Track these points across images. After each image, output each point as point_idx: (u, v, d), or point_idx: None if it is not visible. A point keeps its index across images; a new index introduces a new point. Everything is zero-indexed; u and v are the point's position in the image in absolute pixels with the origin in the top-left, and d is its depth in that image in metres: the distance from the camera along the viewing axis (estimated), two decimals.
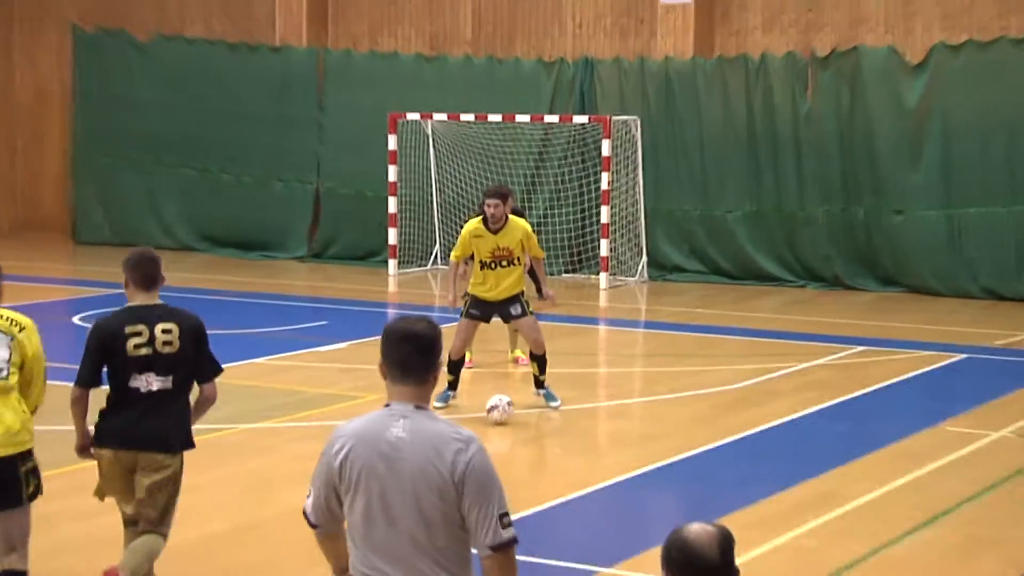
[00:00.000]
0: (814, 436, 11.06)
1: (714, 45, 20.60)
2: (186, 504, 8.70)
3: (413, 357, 4.21)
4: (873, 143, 19.16)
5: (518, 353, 13.52)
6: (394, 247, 20.81)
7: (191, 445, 6.76)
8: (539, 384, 11.69)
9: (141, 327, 6.56)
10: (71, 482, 9.26)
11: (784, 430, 11.15)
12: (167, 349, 6.57)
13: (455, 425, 4.23)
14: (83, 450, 6.77)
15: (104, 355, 6.59)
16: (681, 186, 20.38)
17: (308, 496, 4.32)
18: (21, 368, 6.29)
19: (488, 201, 11.45)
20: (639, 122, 20.23)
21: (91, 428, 6.74)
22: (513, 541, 4.14)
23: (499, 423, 11.00)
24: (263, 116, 22.61)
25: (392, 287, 19.77)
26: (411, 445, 4.14)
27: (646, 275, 20.27)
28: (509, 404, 11.10)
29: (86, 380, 6.62)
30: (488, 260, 11.47)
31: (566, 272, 20.48)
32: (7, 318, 6.34)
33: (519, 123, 20.40)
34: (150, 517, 6.66)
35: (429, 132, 21.37)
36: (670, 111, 20.31)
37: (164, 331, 6.58)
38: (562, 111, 20.58)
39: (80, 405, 6.64)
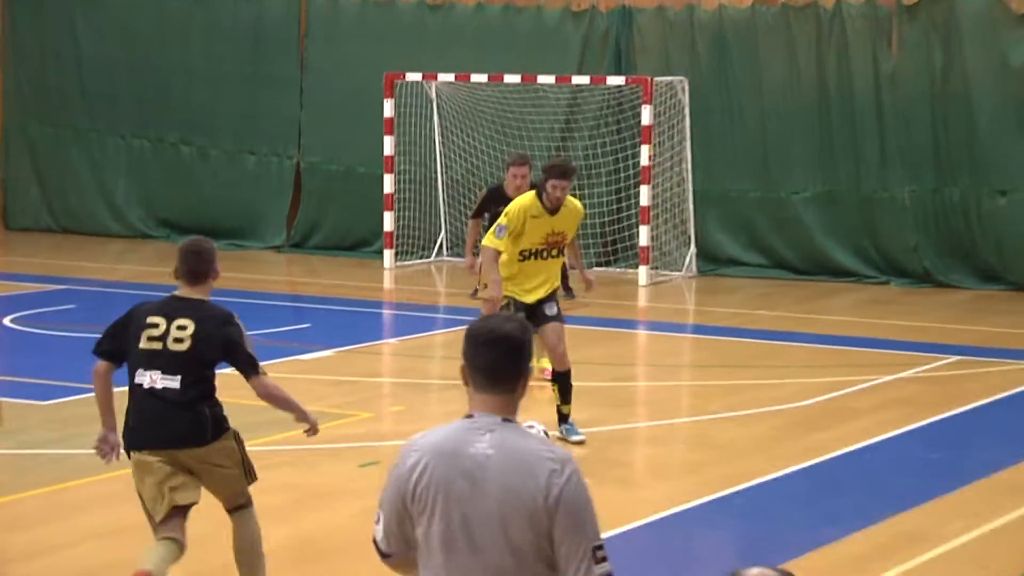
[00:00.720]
0: (898, 464, 11.08)
1: None
2: (149, 542, 8.79)
3: (501, 363, 4.35)
4: (971, 110, 19.15)
5: (544, 363, 13.44)
6: (390, 235, 20.87)
7: (227, 428, 7.57)
8: (563, 418, 11.31)
9: (160, 319, 7.31)
10: (8, 516, 9.35)
11: (861, 457, 11.16)
12: (177, 347, 7.23)
13: (547, 442, 4.37)
14: (103, 441, 7.62)
15: (125, 336, 7.37)
16: (737, 162, 20.39)
17: (377, 522, 4.42)
18: None
19: (554, 182, 11.01)
20: (686, 84, 20.24)
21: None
22: None
23: None
24: (232, 76, 22.68)
25: (388, 283, 19.83)
26: (499, 463, 4.24)
27: (694, 269, 20.29)
28: (545, 433, 11.08)
29: (103, 348, 7.51)
30: (540, 248, 11.16)
31: (598, 265, 20.48)
32: None
33: (542, 85, 20.43)
34: (235, 498, 7.73)
35: (433, 96, 21.41)
36: (724, 71, 20.31)
37: (179, 327, 7.27)
38: (594, 71, 20.60)
39: (101, 381, 7.56)
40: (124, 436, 7.55)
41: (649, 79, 19.65)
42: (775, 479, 10.48)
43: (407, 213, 21.28)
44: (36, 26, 23.94)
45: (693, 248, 20.32)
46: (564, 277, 15.79)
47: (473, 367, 4.36)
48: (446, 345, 16.00)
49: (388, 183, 20.85)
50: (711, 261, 20.51)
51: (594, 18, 20.90)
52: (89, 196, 23.68)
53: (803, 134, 19.98)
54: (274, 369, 13.59)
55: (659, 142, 20.05)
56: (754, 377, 13.94)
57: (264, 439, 11.35)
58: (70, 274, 18.72)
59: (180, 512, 7.47)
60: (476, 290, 18.00)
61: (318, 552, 8.83)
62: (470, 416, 4.35)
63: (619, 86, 20.28)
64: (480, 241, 12.41)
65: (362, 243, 21.97)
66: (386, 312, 18.21)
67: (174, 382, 7.26)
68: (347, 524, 9.30)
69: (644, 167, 19.62)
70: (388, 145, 20.80)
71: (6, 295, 18.24)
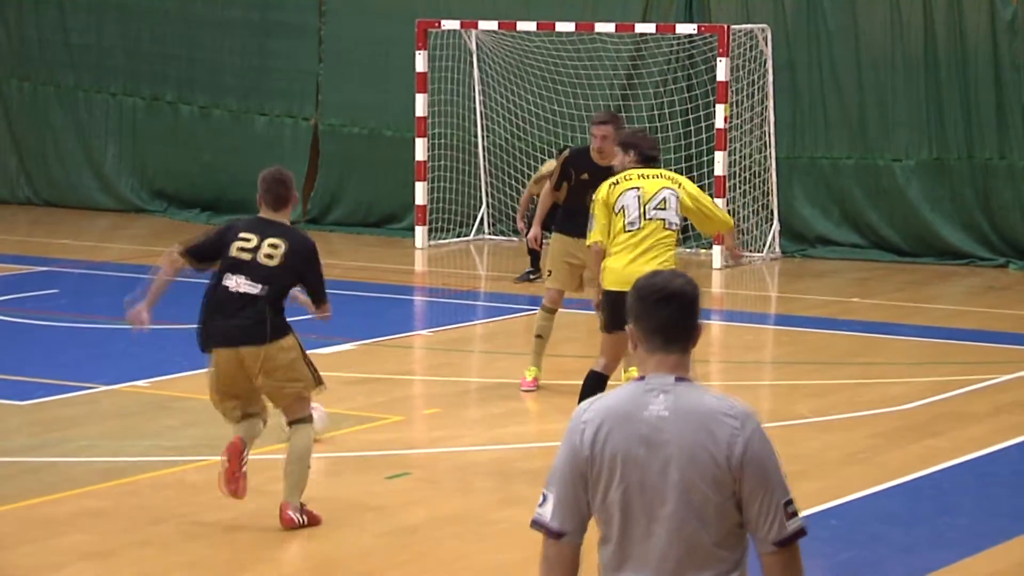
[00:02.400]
0: (1018, 479, 11.02)
1: None
2: (137, 566, 8.83)
3: (675, 320, 4.72)
4: None
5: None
6: (423, 209, 20.90)
7: (288, 330, 9.75)
8: None
9: (253, 236, 9.76)
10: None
11: (975, 470, 11.10)
12: (266, 261, 9.68)
13: (725, 397, 4.70)
14: (137, 313, 10.12)
15: (218, 245, 9.76)
16: (829, 125, 20.33)
17: (542, 503, 4.78)
18: None
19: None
20: (770, 34, 20.18)
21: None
22: (801, 533, 4.68)
23: None
24: (240, 24, 22.76)
25: (420, 264, 19.86)
26: (676, 425, 4.64)
27: (778, 249, 20.25)
28: None
29: (192, 248, 9.86)
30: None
31: None
32: None
33: (601, 34, 20.40)
34: (294, 410, 9.78)
35: (473, 47, 21.42)
36: (814, 18, 20.25)
37: (271, 245, 9.72)
38: (661, 18, 20.56)
39: (172, 269, 9.87)
40: (200, 331, 9.77)
41: (726, 27, 19.59)
42: (873, 495, 10.42)
43: (442, 184, 21.30)
44: None
45: (776, 225, 20.28)
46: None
47: (645, 327, 4.73)
48: (488, 337, 16.01)
49: (420, 149, 20.86)
50: (797, 240, 20.46)
51: None
52: (74, 164, 23.81)
53: (906, 91, 19.90)
54: None
55: (737, 101, 19.99)
56: (848, 376, 13.90)
57: (277, 446, 11.39)
58: (52, 254, 18.80)
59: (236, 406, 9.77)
60: (528, 274, 18.00)
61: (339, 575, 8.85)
62: (642, 378, 4.71)
63: (690, 35, 20.23)
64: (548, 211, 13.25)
65: (390, 219, 22.00)
66: (418, 299, 18.24)
67: (254, 289, 9.63)
68: (374, 546, 9.31)
69: (719, 130, 19.57)
70: (420, 105, 20.81)
71: None
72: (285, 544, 9.57)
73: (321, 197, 22.55)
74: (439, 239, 21.04)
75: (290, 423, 9.79)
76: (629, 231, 10.85)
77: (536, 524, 4.82)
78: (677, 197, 10.95)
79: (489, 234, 21.16)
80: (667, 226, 10.91)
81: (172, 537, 9.37)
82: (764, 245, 20.15)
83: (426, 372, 14.47)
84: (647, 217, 10.85)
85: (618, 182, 10.93)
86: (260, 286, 9.63)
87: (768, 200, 20.31)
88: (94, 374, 13.25)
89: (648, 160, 11.01)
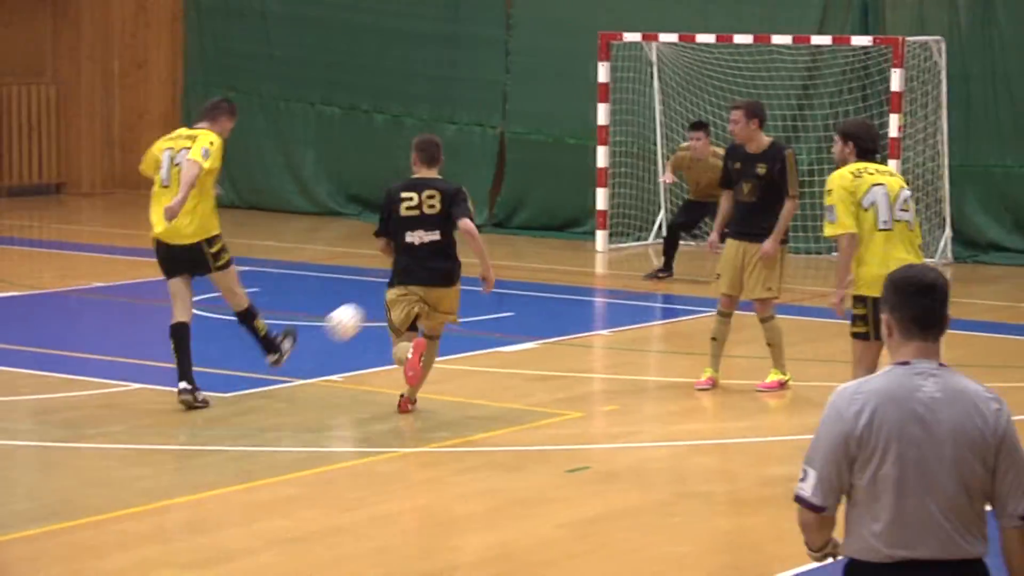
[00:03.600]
0: None
1: None
2: (329, 551, 8.94)
3: (932, 309, 5.06)
4: None
5: (708, 372, 13.18)
6: (603, 214, 20.89)
7: (459, 278, 11.75)
8: None
9: (412, 194, 11.67)
10: (183, 517, 9.58)
11: None
12: (431, 211, 11.60)
13: (978, 381, 5.04)
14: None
15: (390, 214, 11.70)
16: (1002, 134, 20.00)
17: (803, 479, 5.03)
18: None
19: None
20: (943, 45, 19.88)
21: None
22: None
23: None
24: (431, 37, 22.92)
25: (600, 267, 19.85)
26: (948, 406, 4.94)
27: (950, 255, 19.95)
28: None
29: (379, 231, 11.91)
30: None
31: (837, 251, 20.23)
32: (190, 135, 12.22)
33: (777, 46, 20.25)
34: (438, 331, 11.95)
35: (653, 59, 21.37)
36: (988, 29, 19.93)
37: (428, 196, 11.63)
38: (837, 30, 20.36)
39: (385, 250, 11.93)
40: (393, 276, 11.72)
41: (900, 39, 19.34)
42: None
43: (622, 190, 21.28)
44: None
45: (948, 231, 19.98)
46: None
47: (903, 316, 5.04)
48: (665, 338, 15.98)
49: (601, 156, 20.86)
50: (969, 246, 20.15)
51: None
52: (274, 169, 24.15)
53: None
54: (473, 361, 13.87)
55: (910, 111, 19.73)
56: (1019, 380, 13.65)
57: (464, 439, 11.48)
58: (253, 254, 19.05)
59: (414, 327, 11.67)
60: (657, 272, 18.10)
61: (520, 567, 8.87)
62: (904, 363, 5.00)
63: (865, 47, 20.01)
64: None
65: (572, 223, 22.02)
66: (598, 300, 18.24)
67: (435, 235, 11.62)
68: (554, 537, 9.33)
69: (893, 139, 19.33)
70: (602, 114, 20.80)
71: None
72: (467, 533, 9.63)
73: (507, 202, 22.64)
74: (618, 243, 21.02)
75: (429, 338, 11.75)
76: (884, 230, 10.14)
77: (798, 499, 5.04)
78: (912, 200, 10.44)
79: (663, 235, 21.07)
80: (910, 228, 10.26)
81: (363, 524, 9.48)
82: (936, 251, 19.86)
83: (605, 370, 14.47)
84: (895, 218, 10.18)
85: (859, 174, 10.15)
86: (436, 232, 11.63)
87: (940, 207, 20.02)
88: (292, 369, 13.40)
89: (866, 153, 10.27)
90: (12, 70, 25.12)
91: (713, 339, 12.96)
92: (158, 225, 12.18)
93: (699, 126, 18.49)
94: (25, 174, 25.30)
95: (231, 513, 9.72)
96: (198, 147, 11.95)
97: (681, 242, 18.96)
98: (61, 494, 10.04)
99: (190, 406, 11.89)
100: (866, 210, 10.11)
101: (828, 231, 10.30)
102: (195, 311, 12.54)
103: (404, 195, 11.65)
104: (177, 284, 12.23)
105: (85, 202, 25.13)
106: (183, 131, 12.53)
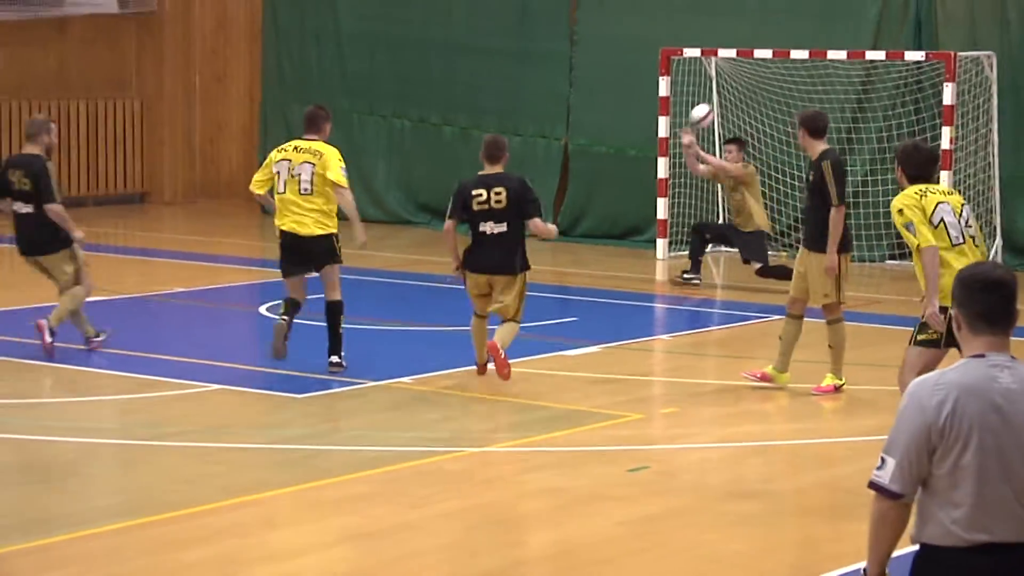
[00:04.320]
0: None
1: None
2: (397, 547, 8.96)
3: (999, 305, 5.12)
4: None
5: (769, 369, 13.15)
6: (664, 223, 20.85)
7: (527, 267, 12.88)
8: None
9: (482, 190, 12.71)
10: (259, 513, 9.64)
11: None
12: (498, 205, 12.64)
13: None
14: (456, 269, 12.93)
15: (461, 206, 12.75)
16: None
17: (880, 467, 5.09)
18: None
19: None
20: (995, 60, 19.74)
21: None
22: None
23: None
24: (498, 52, 22.95)
25: (660, 274, 19.79)
26: (1022, 396, 5.02)
27: (1001, 262, 19.77)
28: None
29: (450, 214, 12.87)
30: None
31: (891, 258, 20.15)
32: (312, 150, 13.21)
33: (832, 61, 20.15)
34: (508, 313, 12.82)
35: (712, 73, 21.32)
36: None
37: (496, 193, 12.66)
38: (890, 45, 20.24)
39: (449, 235, 12.92)
40: (465, 261, 12.82)
41: (952, 54, 19.21)
42: None
43: (682, 200, 21.22)
44: (296, 3, 24.61)
45: (999, 240, 19.83)
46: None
47: (969, 312, 5.11)
48: (722, 343, 15.91)
49: (662, 167, 20.82)
50: (1020, 255, 20.00)
51: None
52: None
53: None
54: (537, 364, 13.87)
55: (962, 123, 19.59)
56: None
57: (526, 439, 11.48)
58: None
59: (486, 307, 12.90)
60: (683, 274, 18.11)
61: (581, 563, 8.86)
62: (979, 356, 5.07)
63: (918, 62, 19.89)
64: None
65: (633, 231, 22.00)
66: (658, 306, 18.20)
67: (503, 227, 12.67)
68: (614, 534, 9.31)
69: (945, 151, 19.18)
70: (663, 126, 20.76)
71: (261, 283, 18.76)
72: (530, 530, 9.64)
73: (571, 211, 22.63)
74: (678, 251, 20.96)
75: (503, 320, 12.88)
76: (957, 245, 10.15)
77: (874, 486, 5.09)
78: (973, 215, 10.40)
79: (726, 248, 21.01)
80: (976, 243, 10.30)
81: (430, 521, 9.49)
82: (988, 259, 19.70)
83: (664, 374, 14.44)
84: (966, 234, 10.21)
85: (924, 193, 10.15)
86: (504, 224, 12.63)
87: (991, 216, 19.87)
88: (362, 371, 13.45)
89: (915, 179, 10.25)
90: (99, 85, 25.36)
91: (780, 338, 12.98)
92: (283, 224, 13.25)
93: (733, 140, 18.72)
94: (111, 184, 25.52)
95: (304, 509, 9.76)
96: (335, 168, 13.14)
97: (731, 249, 19.00)
98: (143, 490, 10.11)
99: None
100: (935, 228, 10.09)
101: (919, 243, 10.03)
102: (269, 315, 12.57)
103: (474, 191, 12.71)
104: (293, 282, 13.45)
105: (167, 211, 25.30)
106: (297, 144, 13.27)
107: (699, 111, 17.90)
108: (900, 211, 10.09)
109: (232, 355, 14.44)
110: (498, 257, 12.73)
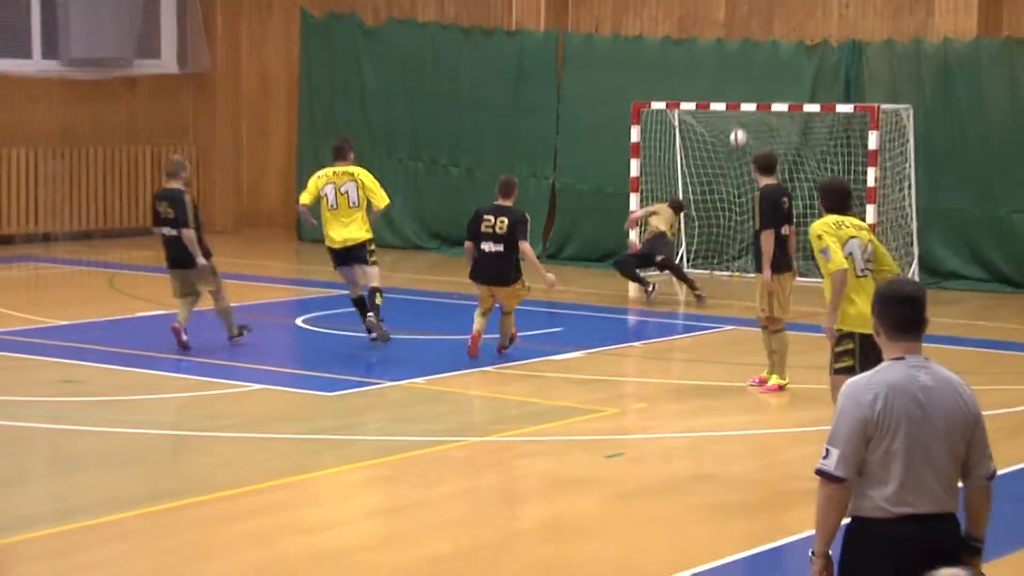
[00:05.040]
0: None
1: (1001, 24, 19.91)
2: (413, 521, 8.91)
3: (915, 315, 5.14)
4: None
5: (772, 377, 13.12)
6: (636, 249, 20.77)
7: (520, 277, 13.67)
8: None
9: (491, 216, 13.69)
10: (296, 493, 9.59)
11: None
12: (500, 230, 13.58)
13: (951, 370, 5.21)
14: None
15: (475, 226, 13.69)
16: (959, 183, 19.78)
17: (826, 457, 5.09)
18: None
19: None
20: (911, 112, 19.72)
21: None
22: (995, 472, 5.27)
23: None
24: (497, 105, 22.93)
25: (632, 292, 19.73)
26: (939, 392, 5.09)
27: (917, 279, 19.74)
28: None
29: (467, 237, 13.93)
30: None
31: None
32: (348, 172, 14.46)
33: (776, 113, 20.14)
34: (506, 308, 13.79)
35: (676, 123, 21.30)
36: (948, 100, 19.74)
37: (500, 221, 13.63)
38: (825, 100, 20.22)
39: (468, 253, 13.86)
40: (470, 273, 13.76)
41: (876, 107, 19.19)
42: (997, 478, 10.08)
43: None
44: (326, 64, 24.58)
45: (916, 262, 19.80)
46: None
47: (888, 321, 5.13)
48: (684, 349, 15.88)
49: (634, 202, 20.76)
50: (934, 274, 19.95)
51: (826, 51, 20.52)
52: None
53: (1022, 156, 19.29)
54: (530, 368, 13.81)
55: (885, 165, 19.56)
56: (976, 383, 13.35)
57: (521, 430, 11.43)
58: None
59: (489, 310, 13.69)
60: (649, 292, 18.17)
61: (569, 532, 8.82)
62: (900, 359, 5.10)
63: (848, 113, 19.86)
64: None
65: (609, 255, 21.92)
66: (631, 318, 18.15)
67: (500, 247, 13.53)
68: (595, 509, 9.27)
69: (871, 188, 19.17)
70: (634, 167, 20.72)
71: (298, 299, 18.75)
72: (524, 506, 9.59)
73: (557, 238, 22.59)
74: (649, 271, 20.91)
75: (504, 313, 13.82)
76: (861, 277, 9.73)
77: (822, 473, 5.08)
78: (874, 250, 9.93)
79: (688, 267, 20.98)
80: (875, 277, 9.81)
81: (440, 499, 9.44)
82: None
83: (636, 375, 14.39)
84: (866, 267, 9.80)
85: (840, 225, 9.79)
86: (501, 245, 13.50)
87: (910, 242, 19.84)
88: (382, 373, 13.43)
89: (830, 211, 9.91)
90: (162, 134, 25.35)
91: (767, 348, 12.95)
92: (335, 236, 14.40)
93: (671, 203, 19.06)
94: None
95: (334, 489, 9.72)
96: (374, 187, 14.41)
97: (695, 270, 18.99)
98: (198, 474, 10.06)
99: (372, 328, 14.21)
100: (847, 257, 9.72)
101: (830, 267, 9.68)
102: (304, 325, 12.54)
103: (486, 216, 13.70)
104: (346, 271, 14.51)
105: (218, 238, 25.08)
106: (336, 169, 14.52)
107: (739, 136, 18.17)
108: (819, 236, 9.77)
109: (273, 360, 14.38)
110: (494, 271, 13.60)
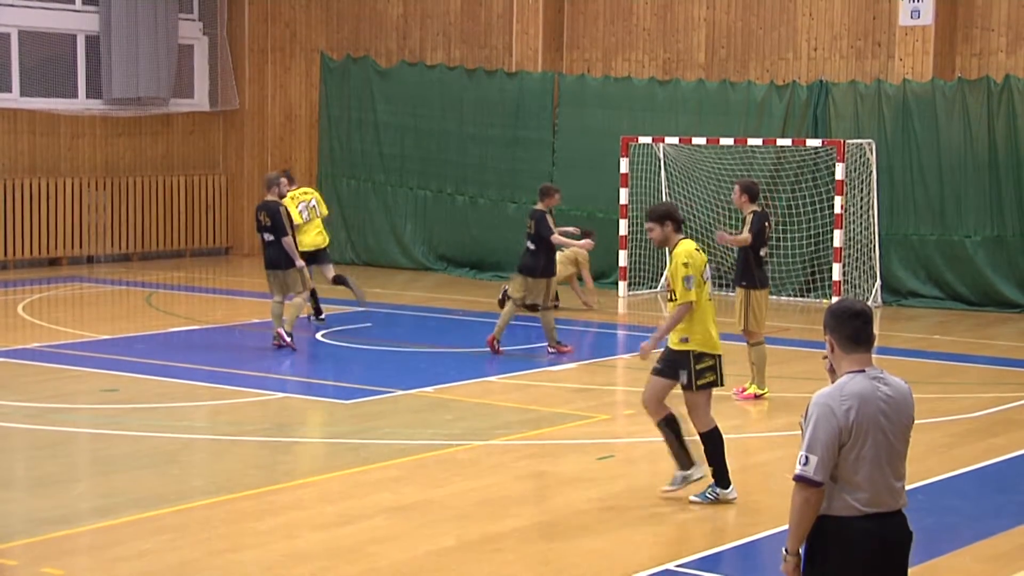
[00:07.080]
0: None
1: (955, 67, 19.96)
2: (422, 517, 8.89)
3: (865, 329, 5.14)
4: None
5: (754, 388, 13.10)
6: (624, 269, 20.82)
7: (530, 271, 14.77)
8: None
9: (530, 220, 14.61)
10: (316, 492, 9.57)
11: None
12: (529, 230, 14.69)
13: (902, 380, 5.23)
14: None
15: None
16: (917, 211, 19.79)
17: (805, 463, 5.05)
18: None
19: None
20: (874, 145, 19.75)
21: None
22: None
23: None
24: (498, 139, 22.95)
25: (622, 308, 19.75)
26: (896, 400, 5.12)
27: (880, 300, 19.75)
28: None
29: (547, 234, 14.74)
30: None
31: (797, 296, 20.12)
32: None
33: (751, 147, 20.16)
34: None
35: (661, 156, 21.32)
36: (907, 134, 19.76)
37: (528, 222, 14.78)
38: (795, 134, 20.25)
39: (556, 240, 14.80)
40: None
41: (842, 142, 19.22)
42: (949, 479, 10.12)
43: (638, 251, 21.20)
44: (344, 102, 24.61)
45: (878, 282, 19.80)
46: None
47: (841, 335, 5.12)
48: None
49: (623, 226, 20.80)
50: (895, 293, 19.95)
51: (796, 91, 20.56)
52: (383, 236, 24.20)
53: (976, 188, 19.30)
54: (528, 378, 13.80)
55: (850, 194, 19.59)
56: (933, 392, 13.48)
57: (520, 435, 11.42)
58: (368, 299, 19.11)
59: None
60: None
61: (562, 529, 8.81)
62: (860, 371, 5.09)
63: (816, 147, 19.89)
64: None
65: (601, 275, 21.91)
66: (620, 332, 18.15)
67: (532, 245, 14.59)
68: (586, 507, 9.26)
69: (837, 215, 19.19)
70: (623, 195, 20.75)
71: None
72: (523, 504, 9.57)
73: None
74: (636, 290, 20.94)
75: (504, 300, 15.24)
76: (711, 299, 9.32)
77: (802, 479, 5.04)
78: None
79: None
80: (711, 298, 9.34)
81: (447, 497, 9.43)
82: (869, 297, 19.68)
83: (626, 384, 14.37)
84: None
85: (700, 250, 9.32)
86: (529, 241, 14.60)
87: (872, 264, 19.85)
88: (395, 382, 13.42)
89: (677, 230, 9.34)
90: (195, 165, 25.41)
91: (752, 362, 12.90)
92: (309, 242, 16.31)
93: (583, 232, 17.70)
94: (204, 240, 25.52)
95: (350, 488, 9.70)
96: (320, 200, 16.87)
97: None
98: (227, 474, 10.05)
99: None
100: (706, 282, 9.22)
101: (689, 296, 9.07)
102: (323, 340, 12.48)
103: (529, 221, 14.84)
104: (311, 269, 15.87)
105: (246, 260, 25.22)
106: (299, 191, 16.75)
107: None
108: (686, 264, 9.11)
109: (295, 370, 14.38)
110: (524, 262, 14.95)
